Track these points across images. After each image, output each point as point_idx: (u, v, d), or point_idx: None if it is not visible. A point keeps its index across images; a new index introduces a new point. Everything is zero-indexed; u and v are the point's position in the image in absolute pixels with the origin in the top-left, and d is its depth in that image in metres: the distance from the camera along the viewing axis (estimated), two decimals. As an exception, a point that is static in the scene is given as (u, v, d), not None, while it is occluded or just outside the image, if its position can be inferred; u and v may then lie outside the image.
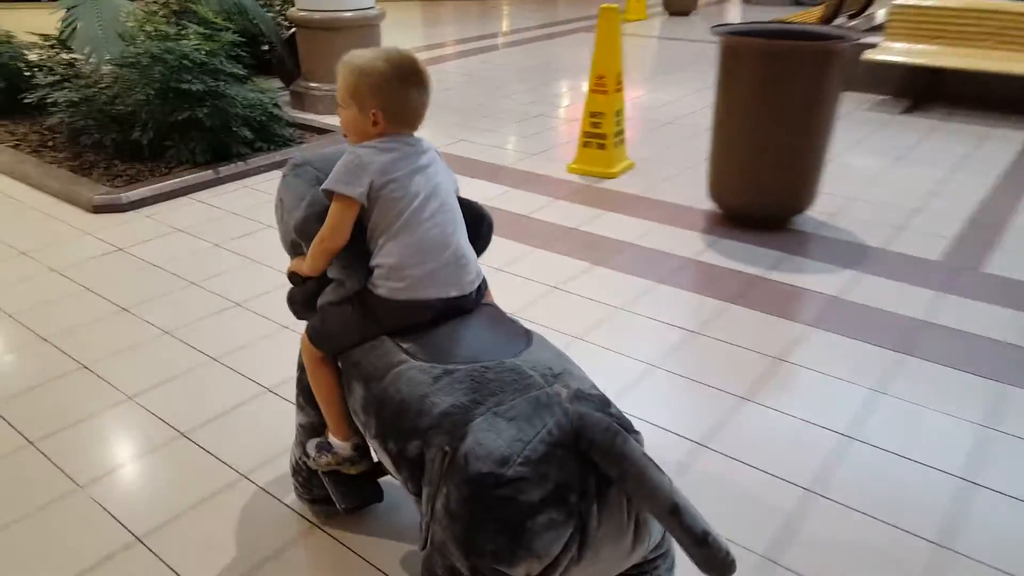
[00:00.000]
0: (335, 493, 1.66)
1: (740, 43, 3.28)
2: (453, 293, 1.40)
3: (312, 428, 1.65)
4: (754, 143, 3.37)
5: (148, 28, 4.29)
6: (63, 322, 2.77)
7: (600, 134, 4.29)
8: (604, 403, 1.20)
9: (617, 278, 3.07)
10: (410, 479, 1.26)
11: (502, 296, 2.38)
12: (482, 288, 1.49)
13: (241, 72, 4.46)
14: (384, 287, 1.38)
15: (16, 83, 5.14)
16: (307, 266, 1.45)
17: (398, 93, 1.37)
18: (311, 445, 1.61)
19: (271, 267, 3.20)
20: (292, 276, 1.50)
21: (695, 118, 5.47)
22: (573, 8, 11.89)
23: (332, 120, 5.37)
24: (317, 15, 5.37)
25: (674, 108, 5.78)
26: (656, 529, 1.22)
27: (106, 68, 4.26)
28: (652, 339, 2.62)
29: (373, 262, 1.39)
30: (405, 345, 1.35)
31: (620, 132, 4.32)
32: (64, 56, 4.91)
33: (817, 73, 3.19)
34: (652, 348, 2.56)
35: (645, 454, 1.08)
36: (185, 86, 4.05)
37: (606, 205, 3.88)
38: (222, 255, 3.34)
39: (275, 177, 4.29)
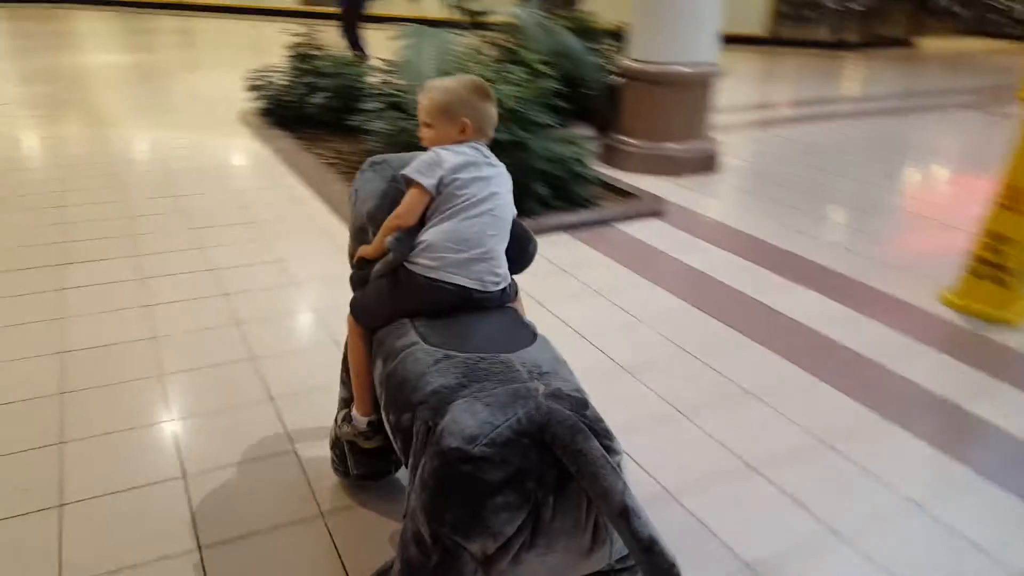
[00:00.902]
0: (350, 460, 1.88)
1: None
2: (475, 286, 1.58)
3: (348, 403, 1.84)
4: None
5: (471, 66, 4.14)
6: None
7: (1001, 265, 3.13)
8: (581, 405, 1.27)
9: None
10: (403, 450, 1.41)
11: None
12: (507, 292, 1.66)
13: (551, 122, 4.11)
14: (418, 262, 1.58)
15: (350, 104, 5.45)
16: (372, 247, 1.68)
17: (480, 106, 1.67)
18: (342, 415, 1.84)
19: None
20: (359, 261, 1.73)
21: None
22: (947, 75, 10.08)
23: (639, 181, 4.84)
24: (652, 68, 4.89)
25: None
26: (616, 544, 1.28)
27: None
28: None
29: (418, 238, 1.59)
30: (421, 329, 1.52)
31: (1031, 268, 3.11)
32: (393, 86, 5.06)
33: None
34: None
35: (604, 456, 1.15)
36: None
37: (1003, 371, 2.73)
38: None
39: (564, 241, 3.87)
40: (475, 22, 4.86)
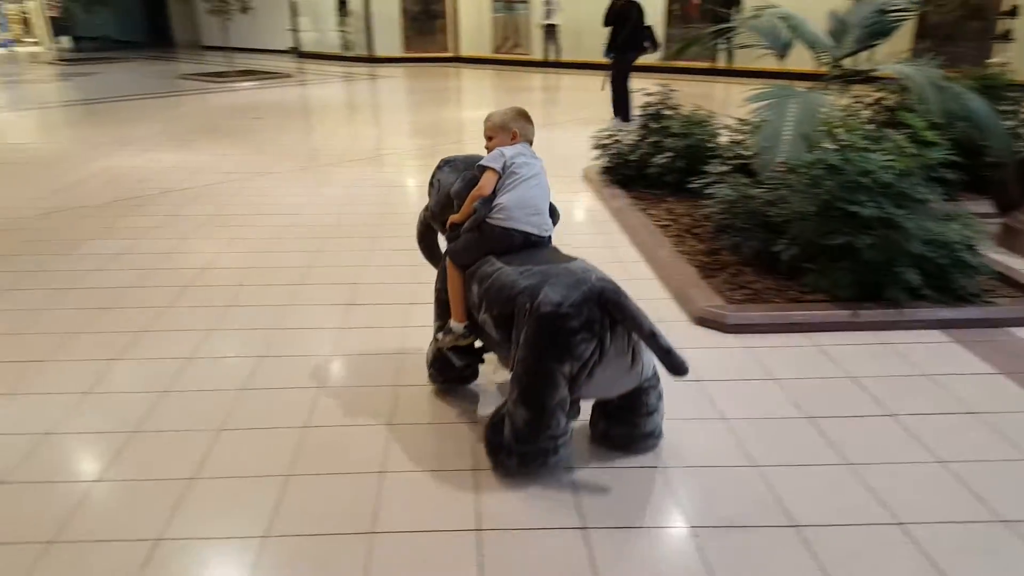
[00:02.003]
0: (453, 357, 2.69)
1: None
2: (534, 231, 2.51)
3: (439, 328, 2.68)
4: None
5: (839, 133, 3.76)
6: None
7: None
8: (616, 285, 2.20)
9: None
10: (501, 328, 2.33)
11: None
12: (551, 236, 2.59)
13: (932, 197, 3.54)
14: (496, 218, 2.48)
15: (694, 165, 5.37)
16: (461, 213, 2.58)
17: (523, 124, 2.67)
18: (441, 333, 2.65)
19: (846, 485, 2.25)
20: (451, 225, 2.61)
21: None
22: None
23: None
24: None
25: None
26: (648, 365, 2.29)
27: (776, 170, 3.92)
28: None
29: (496, 201, 2.50)
30: (502, 261, 2.42)
31: None
32: (745, 149, 4.87)
33: None
34: None
35: (637, 306, 2.14)
36: (854, 208, 3.38)
37: None
38: (803, 435, 2.56)
39: (934, 341, 3.28)
40: (851, 78, 4.44)
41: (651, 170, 5.66)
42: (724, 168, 4.59)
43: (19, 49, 25.58)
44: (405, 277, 4.13)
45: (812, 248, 3.64)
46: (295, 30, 21.21)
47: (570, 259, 2.39)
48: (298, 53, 21.15)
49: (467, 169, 2.67)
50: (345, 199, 5.86)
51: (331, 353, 3.25)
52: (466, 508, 2.23)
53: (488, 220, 2.49)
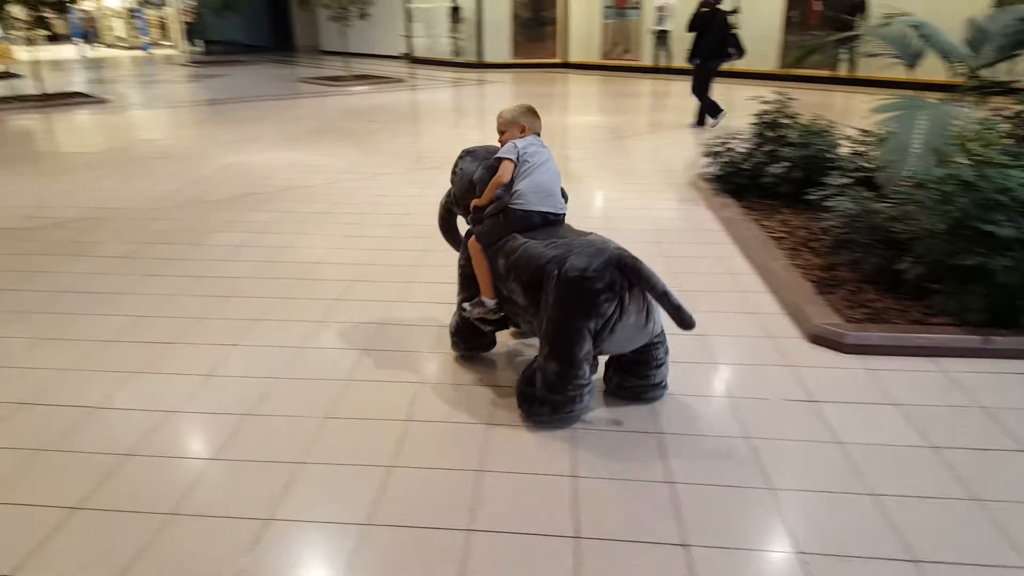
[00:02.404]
0: (481, 326, 3.05)
1: None
2: (550, 211, 2.88)
3: (467, 300, 3.05)
4: None
5: (974, 147, 3.53)
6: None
7: None
8: (632, 254, 2.55)
9: None
10: (530, 295, 2.67)
11: None
12: (565, 215, 2.95)
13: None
14: (516, 202, 2.85)
15: (812, 176, 5.17)
16: (483, 198, 2.95)
17: (531, 118, 3.03)
18: (467, 306, 3.01)
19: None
20: (474, 208, 3.00)
21: None
22: None
23: None
24: None
25: None
26: (659, 323, 2.65)
27: (902, 184, 3.71)
28: None
29: (514, 188, 2.86)
30: (526, 237, 2.78)
31: None
32: (868, 161, 4.65)
33: None
34: None
35: (651, 270, 2.49)
36: (989, 227, 3.16)
37: None
38: (927, 465, 2.41)
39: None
40: (989, 90, 4.16)
41: (765, 180, 5.50)
42: (845, 180, 4.40)
43: (155, 52, 27.60)
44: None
45: (940, 268, 3.43)
46: (408, 36, 21.87)
47: (586, 234, 2.77)
48: (410, 58, 21.80)
49: (486, 159, 3.05)
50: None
51: (434, 350, 3.32)
52: (563, 513, 2.23)
53: (510, 205, 2.86)
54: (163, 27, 31.51)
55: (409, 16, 21.73)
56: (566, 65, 19.39)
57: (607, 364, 2.89)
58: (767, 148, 5.61)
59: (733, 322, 3.60)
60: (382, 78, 16.42)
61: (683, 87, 14.61)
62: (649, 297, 2.55)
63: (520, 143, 2.94)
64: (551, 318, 2.55)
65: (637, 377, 2.80)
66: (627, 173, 7.08)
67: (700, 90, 9.33)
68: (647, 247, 4.71)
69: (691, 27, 9.14)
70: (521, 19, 19.74)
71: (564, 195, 3.00)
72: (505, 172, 2.88)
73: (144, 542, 2.13)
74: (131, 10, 31.14)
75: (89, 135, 9.43)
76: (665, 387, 2.86)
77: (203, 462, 2.50)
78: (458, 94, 14.46)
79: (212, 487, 2.38)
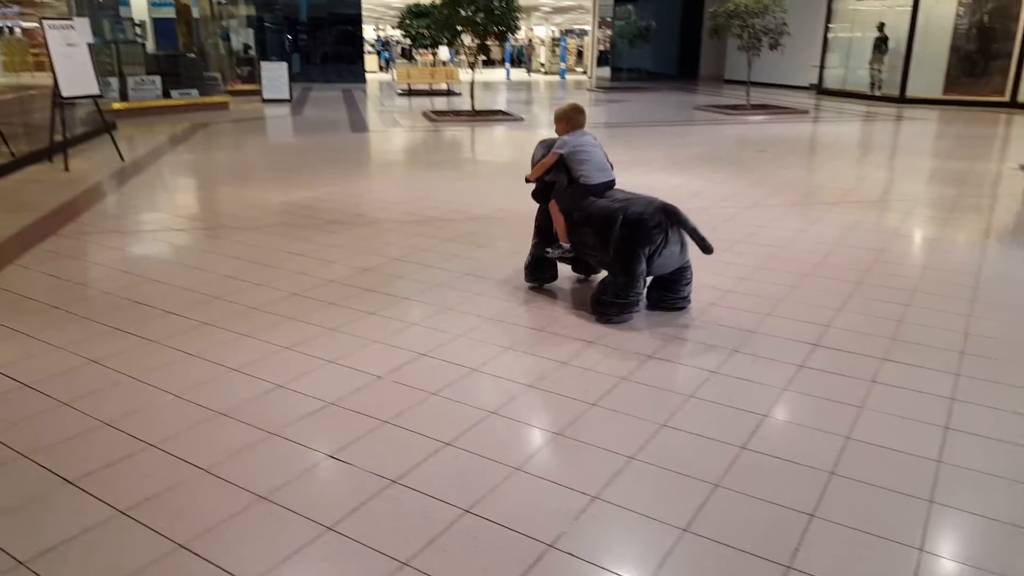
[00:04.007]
0: (560, 261, 4.41)
1: None
2: (606, 180, 4.22)
3: (538, 245, 4.46)
4: None
5: None
6: None
7: None
8: (673, 204, 3.93)
9: None
10: (600, 234, 3.98)
11: None
12: (615, 180, 4.28)
13: None
14: (584, 180, 4.17)
15: None
16: (533, 172, 4.36)
17: (576, 115, 4.31)
18: (550, 249, 4.34)
19: None
20: (527, 179, 4.47)
21: None
22: None
23: None
24: None
25: None
26: (687, 253, 4.01)
27: None
28: None
29: (577, 172, 4.20)
30: (594, 198, 4.13)
31: None
32: None
33: None
34: None
35: (685, 214, 3.92)
36: None
37: None
38: None
39: None
40: None
41: None
42: None
43: (569, 77, 30.75)
44: (884, 329, 3.93)
45: None
46: (821, 67, 21.08)
47: (634, 193, 4.18)
48: (819, 89, 20.98)
49: (548, 148, 4.35)
50: (835, 239, 5.74)
51: (784, 387, 3.30)
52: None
53: (580, 182, 4.20)
54: (579, 55, 34.98)
55: (825, 45, 20.94)
56: (1015, 105, 16.85)
57: (649, 289, 4.15)
58: None
59: None
60: (783, 108, 16.13)
61: None
62: (683, 233, 3.93)
63: (569, 139, 4.26)
64: (619, 247, 3.90)
65: (672, 292, 4.13)
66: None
67: None
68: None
69: None
70: (962, 51, 17.71)
71: (611, 164, 4.36)
72: (546, 161, 4.29)
73: (491, 485, 2.55)
74: (555, 39, 35.21)
75: (502, 147, 11.02)
76: (689, 300, 4.19)
77: (551, 435, 2.88)
78: (868, 129, 13.56)
79: (555, 456, 2.73)
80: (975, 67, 17.63)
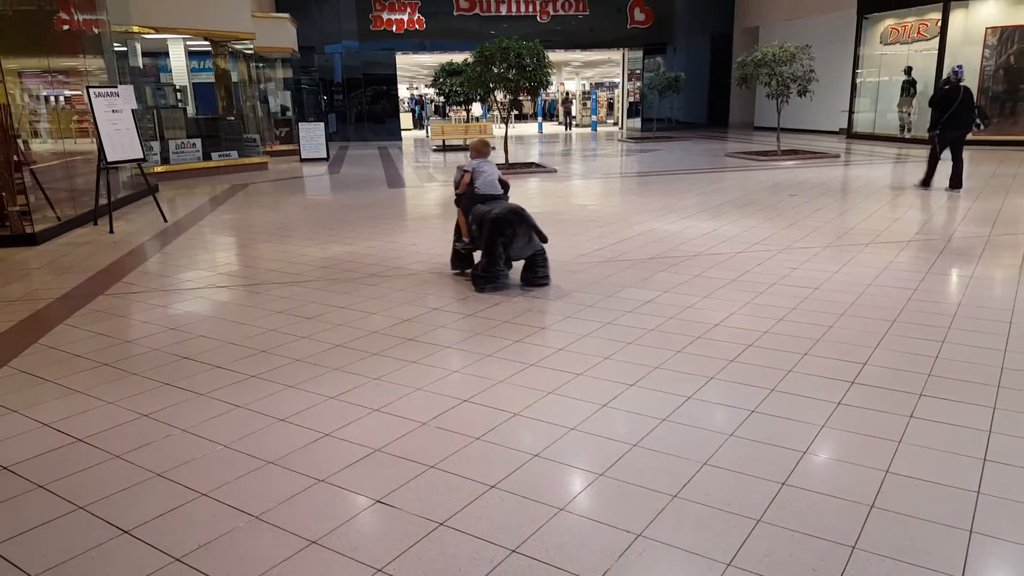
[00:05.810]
0: (464, 251, 6.38)
1: None
2: (491, 192, 6.19)
3: (457, 239, 6.43)
4: None
5: None
6: None
7: None
8: (522, 207, 5.87)
9: None
10: (479, 229, 5.87)
11: None
12: (505, 195, 6.28)
13: None
14: (477, 190, 6.18)
15: None
16: (460, 188, 6.33)
17: (485, 147, 6.50)
18: (458, 243, 6.38)
19: None
20: (456, 192, 6.47)
21: None
22: None
23: None
24: None
25: None
26: (538, 244, 5.87)
27: None
28: None
29: (475, 185, 6.20)
30: (484, 205, 6.01)
31: None
32: None
33: None
34: None
35: (530, 215, 5.82)
36: None
37: None
38: None
39: None
40: None
41: None
42: None
43: (600, 129, 31.23)
44: (921, 366, 3.95)
45: None
46: (850, 111, 21.18)
47: (505, 202, 5.92)
48: (848, 134, 21.05)
49: (462, 171, 6.20)
50: (868, 279, 5.77)
51: (814, 422, 3.34)
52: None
53: (475, 191, 6.05)
54: (610, 106, 35.55)
55: (854, 90, 21.07)
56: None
57: (522, 272, 5.97)
58: None
59: None
60: (813, 153, 16.21)
61: None
62: (531, 228, 5.66)
63: (475, 163, 6.19)
64: (485, 238, 5.63)
65: (533, 273, 5.87)
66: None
67: (933, 157, 9.84)
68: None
69: (931, 102, 10.37)
70: (992, 92, 17.72)
71: (505, 184, 6.21)
72: (463, 178, 6.17)
73: (539, 522, 2.62)
74: (585, 93, 35.91)
75: (537, 198, 11.23)
76: (547, 280, 5.92)
77: (592, 475, 2.95)
78: (898, 171, 13.56)
79: (595, 496, 2.80)
80: (1003, 107, 17.59)
